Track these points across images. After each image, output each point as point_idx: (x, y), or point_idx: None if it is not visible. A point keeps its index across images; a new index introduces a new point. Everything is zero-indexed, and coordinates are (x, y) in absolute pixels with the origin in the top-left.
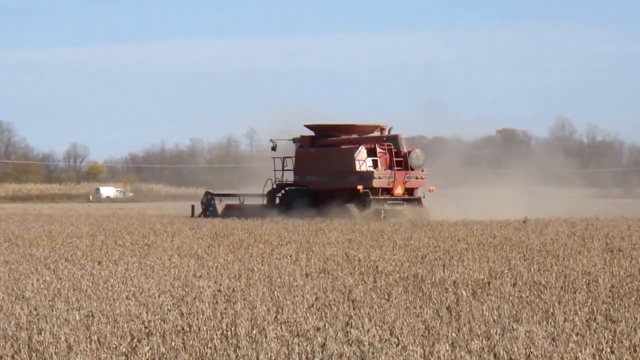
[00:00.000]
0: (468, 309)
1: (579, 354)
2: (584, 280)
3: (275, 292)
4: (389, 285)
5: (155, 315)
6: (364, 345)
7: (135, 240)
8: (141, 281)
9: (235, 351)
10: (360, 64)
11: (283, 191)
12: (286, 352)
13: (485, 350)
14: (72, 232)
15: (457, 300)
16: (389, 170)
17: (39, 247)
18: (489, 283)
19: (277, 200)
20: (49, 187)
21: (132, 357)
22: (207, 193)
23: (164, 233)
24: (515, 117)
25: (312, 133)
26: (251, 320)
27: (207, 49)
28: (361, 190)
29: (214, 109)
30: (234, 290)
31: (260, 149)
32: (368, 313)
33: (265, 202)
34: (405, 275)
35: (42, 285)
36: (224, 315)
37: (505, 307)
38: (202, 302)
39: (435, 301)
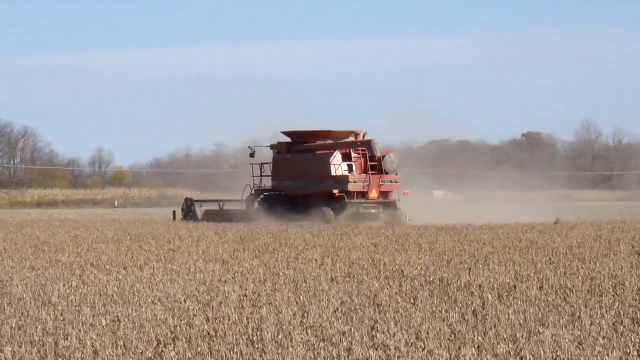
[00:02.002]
0: (494, 313)
1: (606, 357)
2: (611, 283)
3: (301, 297)
4: (414, 290)
5: (181, 321)
6: (390, 350)
7: (160, 246)
8: (167, 286)
9: (261, 356)
10: (370, 68)
11: (262, 196)
12: (312, 356)
13: (512, 354)
14: (97, 237)
15: (483, 304)
16: (364, 175)
17: (65, 253)
18: (515, 287)
19: (256, 206)
20: (74, 192)
21: None
22: (187, 199)
23: (189, 238)
24: (540, 120)
25: (288, 140)
26: (277, 325)
27: (232, 53)
28: (337, 194)
29: (239, 113)
30: (259, 295)
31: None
32: (394, 317)
33: (244, 207)
34: (431, 279)
35: (68, 291)
36: (249, 320)
37: (531, 310)
38: (228, 307)
39: (462, 305)
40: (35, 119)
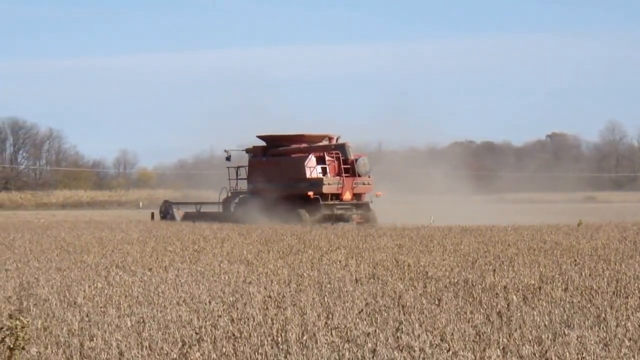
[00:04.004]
0: (519, 314)
1: (632, 359)
2: (636, 285)
3: (325, 298)
4: (439, 291)
5: (206, 321)
6: (414, 351)
7: (185, 247)
8: (192, 287)
9: (285, 357)
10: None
11: (237, 199)
12: (337, 357)
13: (537, 355)
14: (122, 238)
15: (508, 305)
16: (337, 177)
17: (90, 254)
18: (539, 288)
19: (232, 208)
20: (99, 193)
21: None
22: (165, 202)
23: (213, 239)
24: (565, 121)
25: (264, 143)
26: (301, 326)
27: (254, 55)
28: (312, 196)
29: (262, 114)
30: (284, 296)
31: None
32: (418, 318)
33: (221, 209)
34: (456, 281)
35: (93, 292)
36: (274, 321)
37: (556, 312)
38: (253, 308)
39: (486, 306)
40: (60, 121)
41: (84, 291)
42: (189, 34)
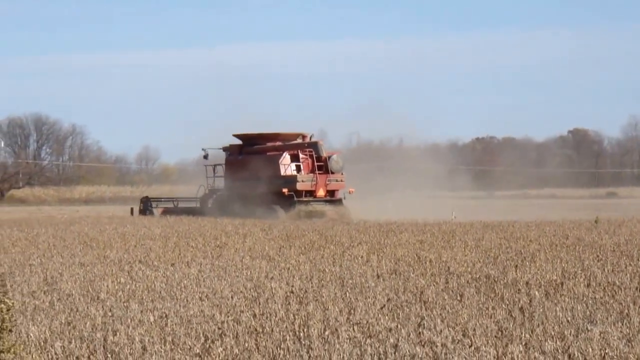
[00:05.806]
0: (541, 310)
1: None
2: None
3: (347, 293)
4: (461, 286)
5: (228, 316)
6: (436, 346)
7: (207, 242)
8: (214, 282)
9: (307, 352)
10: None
11: (214, 196)
12: (359, 353)
13: (560, 351)
14: (145, 234)
15: (530, 301)
16: (311, 174)
17: (113, 249)
18: (562, 284)
19: (210, 204)
20: (121, 189)
21: (205, 358)
22: (144, 198)
23: (235, 235)
24: (587, 117)
25: (239, 142)
26: (323, 322)
27: (273, 50)
28: (286, 193)
29: (284, 109)
30: (306, 291)
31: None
32: (440, 314)
33: (198, 205)
34: (477, 276)
35: (116, 287)
36: (296, 317)
37: (579, 307)
38: (275, 303)
39: (508, 302)
40: (83, 117)
41: (107, 286)
42: (213, 30)
